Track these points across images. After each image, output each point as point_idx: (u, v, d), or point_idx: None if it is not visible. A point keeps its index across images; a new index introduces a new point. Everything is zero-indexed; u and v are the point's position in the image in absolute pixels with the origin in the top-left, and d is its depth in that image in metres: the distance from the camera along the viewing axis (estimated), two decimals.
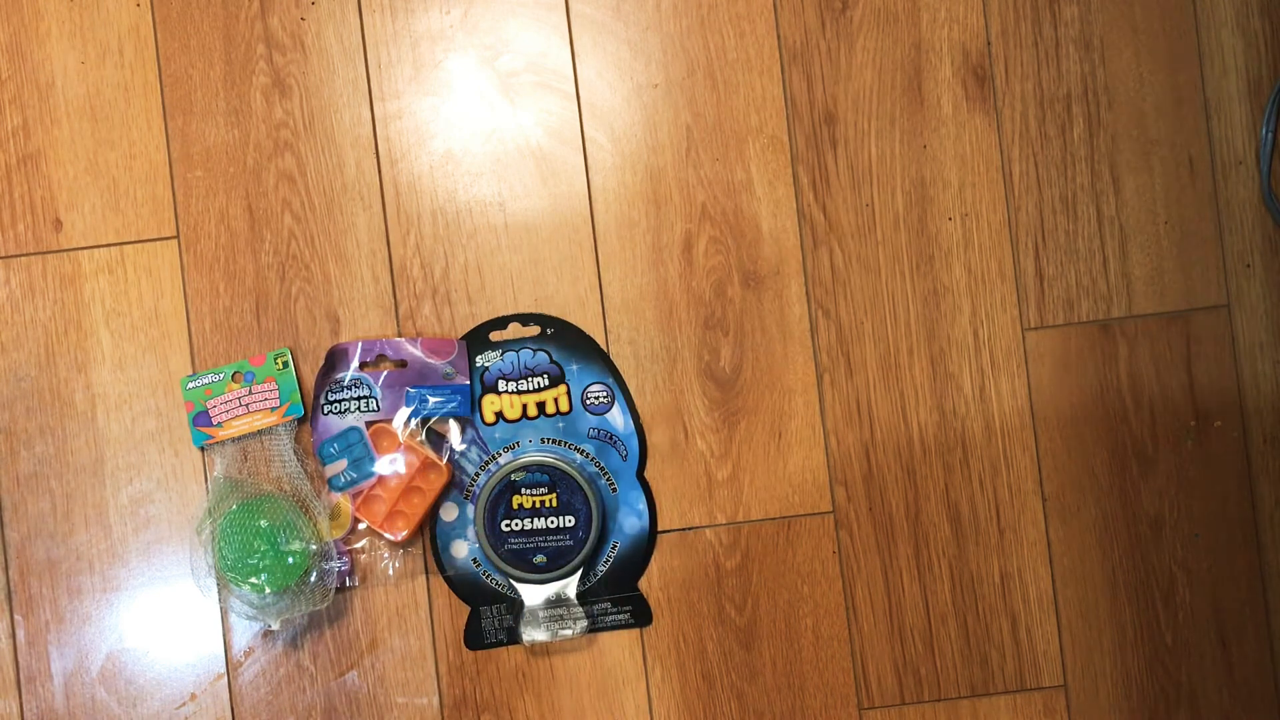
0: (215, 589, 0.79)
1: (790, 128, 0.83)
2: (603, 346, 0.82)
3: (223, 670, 0.81)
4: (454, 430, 0.81)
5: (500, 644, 0.81)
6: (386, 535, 0.79)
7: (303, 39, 0.83)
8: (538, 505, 0.79)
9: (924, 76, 0.82)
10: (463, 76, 0.83)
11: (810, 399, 0.82)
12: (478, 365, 0.81)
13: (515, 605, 0.81)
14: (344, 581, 0.80)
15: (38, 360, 0.82)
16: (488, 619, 0.81)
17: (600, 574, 0.81)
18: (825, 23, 0.83)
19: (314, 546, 0.78)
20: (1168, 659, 0.81)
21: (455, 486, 0.81)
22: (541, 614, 0.80)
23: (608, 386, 0.81)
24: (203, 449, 0.81)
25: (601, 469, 0.81)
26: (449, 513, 0.81)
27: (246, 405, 0.80)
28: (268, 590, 0.76)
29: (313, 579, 0.78)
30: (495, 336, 0.82)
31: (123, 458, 0.81)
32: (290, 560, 0.77)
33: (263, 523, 0.77)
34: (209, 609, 0.81)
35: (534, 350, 0.81)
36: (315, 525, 0.78)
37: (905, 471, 0.82)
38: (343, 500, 0.80)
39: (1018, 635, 0.82)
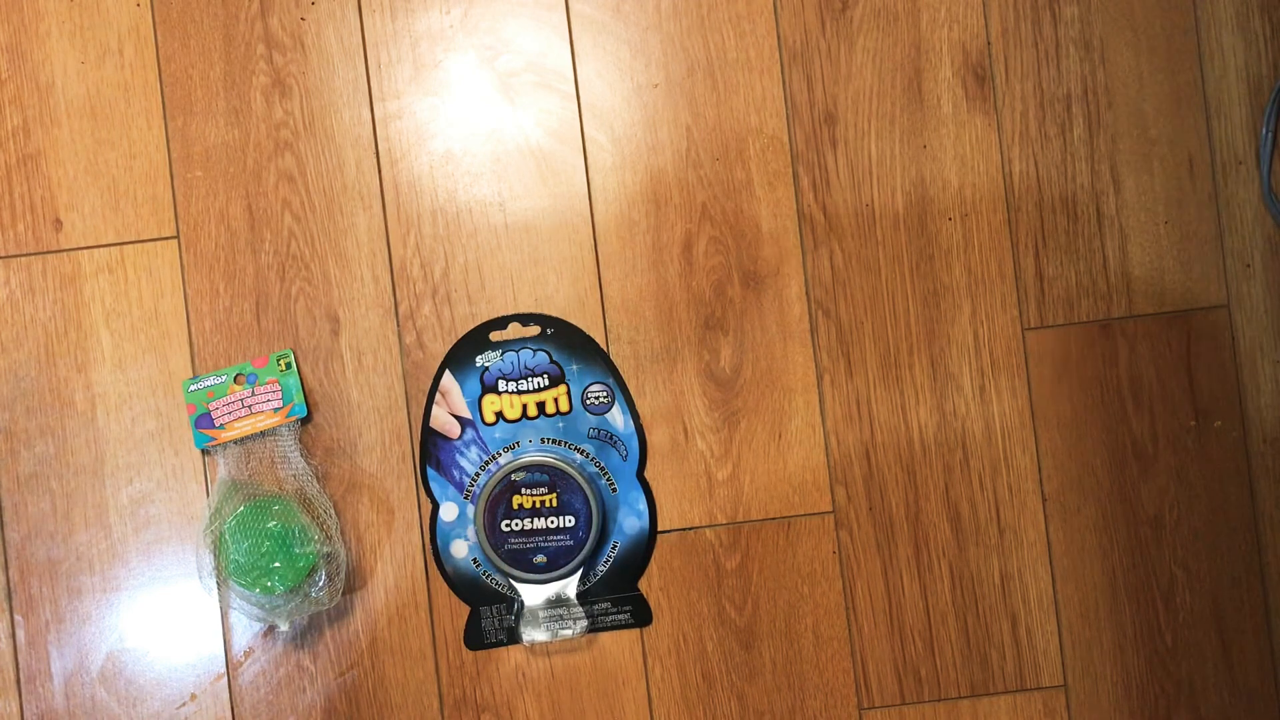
0: (219, 589, 0.79)
1: (790, 128, 0.83)
2: (603, 346, 0.82)
3: (223, 670, 0.81)
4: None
5: (500, 644, 0.81)
6: None
7: (303, 39, 0.83)
8: (538, 505, 0.79)
9: (924, 76, 0.82)
10: (463, 76, 0.83)
11: (810, 399, 0.82)
12: (477, 365, 0.81)
13: (515, 605, 0.81)
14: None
15: (38, 360, 0.82)
16: (488, 619, 0.81)
17: (600, 574, 0.81)
18: (825, 23, 0.83)
19: (324, 548, 0.78)
20: (1168, 659, 0.82)
21: (455, 486, 0.81)
22: (541, 614, 0.80)
23: (608, 386, 0.81)
24: (205, 451, 0.81)
25: (601, 469, 0.81)
26: (449, 513, 0.81)
27: (249, 406, 0.80)
28: (278, 591, 0.76)
29: (322, 579, 0.78)
30: (495, 336, 0.82)
31: (123, 458, 0.81)
32: (300, 561, 0.77)
33: (272, 524, 0.77)
34: (209, 609, 0.81)
35: (534, 350, 0.81)
36: (323, 525, 0.79)
37: (905, 471, 0.82)
38: None
39: (1018, 635, 0.82)
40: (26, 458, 0.81)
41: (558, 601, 0.80)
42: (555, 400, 0.81)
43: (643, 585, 0.82)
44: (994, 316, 0.82)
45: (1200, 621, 0.82)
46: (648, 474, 0.82)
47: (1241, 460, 0.82)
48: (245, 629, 0.81)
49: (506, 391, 0.81)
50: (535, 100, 0.83)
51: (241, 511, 0.78)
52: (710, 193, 0.82)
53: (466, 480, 0.81)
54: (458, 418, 0.81)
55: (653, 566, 0.82)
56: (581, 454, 0.81)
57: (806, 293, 0.82)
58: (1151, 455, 0.82)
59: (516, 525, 0.79)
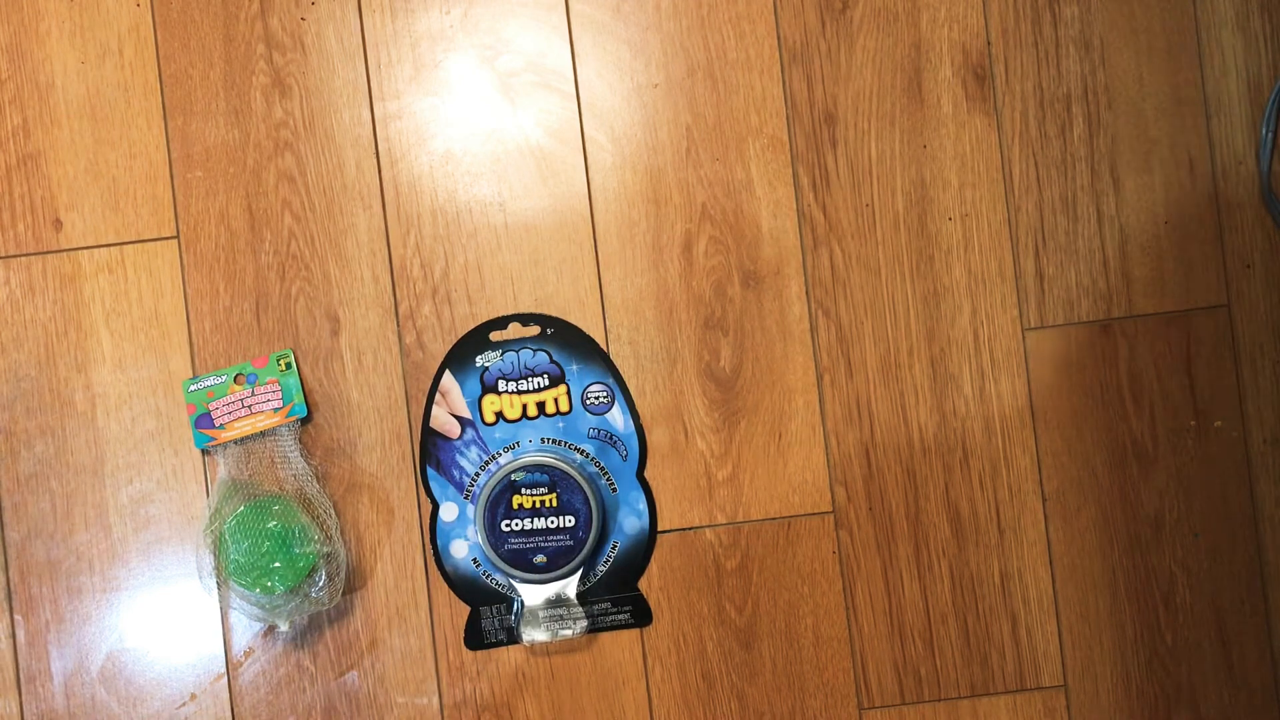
0: (219, 589, 0.79)
1: (790, 128, 0.83)
2: (603, 346, 0.82)
3: (223, 670, 0.81)
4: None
5: (500, 644, 0.81)
6: None
7: (303, 39, 0.83)
8: (538, 505, 0.79)
9: (924, 76, 0.82)
10: (463, 76, 0.83)
11: (810, 399, 0.82)
12: (477, 365, 0.81)
13: (515, 605, 0.81)
14: None
15: (38, 360, 0.82)
16: (488, 619, 0.81)
17: (600, 574, 0.81)
18: (825, 23, 0.83)
19: (324, 548, 0.78)
20: (1168, 659, 0.82)
21: (455, 486, 0.81)
22: (541, 614, 0.80)
23: (608, 386, 0.81)
24: (205, 451, 0.81)
25: (601, 469, 0.81)
26: (449, 513, 0.81)
27: (249, 407, 0.80)
28: (278, 591, 0.76)
29: (322, 579, 0.78)
30: (495, 336, 0.82)
31: (123, 458, 0.81)
32: (300, 561, 0.77)
33: (272, 524, 0.77)
34: (209, 609, 0.81)
35: (534, 350, 0.81)
36: (323, 525, 0.79)
37: (905, 471, 0.82)
38: None
39: (1018, 635, 0.82)
40: (26, 458, 0.81)
41: (558, 601, 0.80)
42: (555, 400, 0.81)
43: (643, 585, 0.82)
44: (994, 316, 0.82)
45: (1200, 621, 0.82)
46: (648, 474, 0.82)
47: (1241, 460, 0.82)
48: (245, 629, 0.81)
49: (506, 391, 0.81)
50: (535, 100, 0.83)
51: (241, 511, 0.78)
52: (710, 193, 0.82)
53: (466, 480, 0.81)
54: (458, 418, 0.81)
55: (653, 566, 0.82)
56: (581, 454, 0.81)
57: (806, 293, 0.82)
58: (1151, 455, 0.82)
59: (516, 525, 0.79)
